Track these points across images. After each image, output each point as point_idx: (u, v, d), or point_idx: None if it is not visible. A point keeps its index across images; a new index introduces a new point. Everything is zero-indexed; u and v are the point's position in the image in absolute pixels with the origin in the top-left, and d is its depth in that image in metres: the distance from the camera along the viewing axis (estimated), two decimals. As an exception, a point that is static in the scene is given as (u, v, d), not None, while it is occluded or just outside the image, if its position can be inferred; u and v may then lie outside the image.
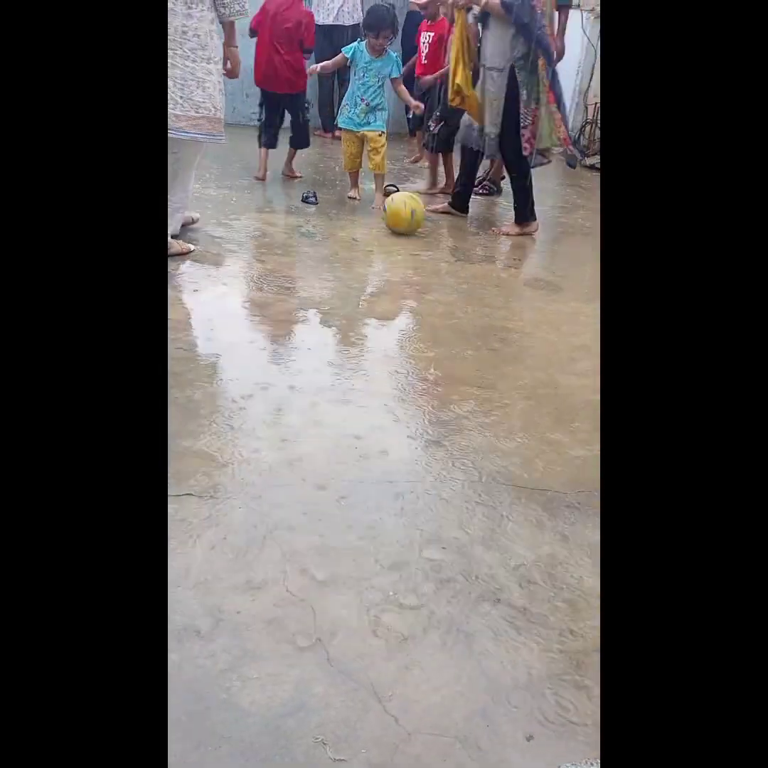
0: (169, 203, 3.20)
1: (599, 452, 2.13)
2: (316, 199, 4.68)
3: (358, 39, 4.67)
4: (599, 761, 1.05)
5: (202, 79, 3.09)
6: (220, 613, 1.41)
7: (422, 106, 4.76)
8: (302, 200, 4.66)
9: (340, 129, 4.78)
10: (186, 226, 3.67)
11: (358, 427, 2.13)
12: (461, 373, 2.56)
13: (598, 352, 2.82)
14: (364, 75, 4.59)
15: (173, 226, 3.37)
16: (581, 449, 2.14)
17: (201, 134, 3.16)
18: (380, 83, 4.61)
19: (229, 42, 3.21)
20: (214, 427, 2.04)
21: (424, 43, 5.29)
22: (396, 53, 4.70)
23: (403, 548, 1.64)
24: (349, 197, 4.82)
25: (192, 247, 3.47)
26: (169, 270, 3.20)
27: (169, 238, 3.27)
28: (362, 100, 4.60)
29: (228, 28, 3.17)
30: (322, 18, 6.40)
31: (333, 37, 6.39)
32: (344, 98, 4.77)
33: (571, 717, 1.27)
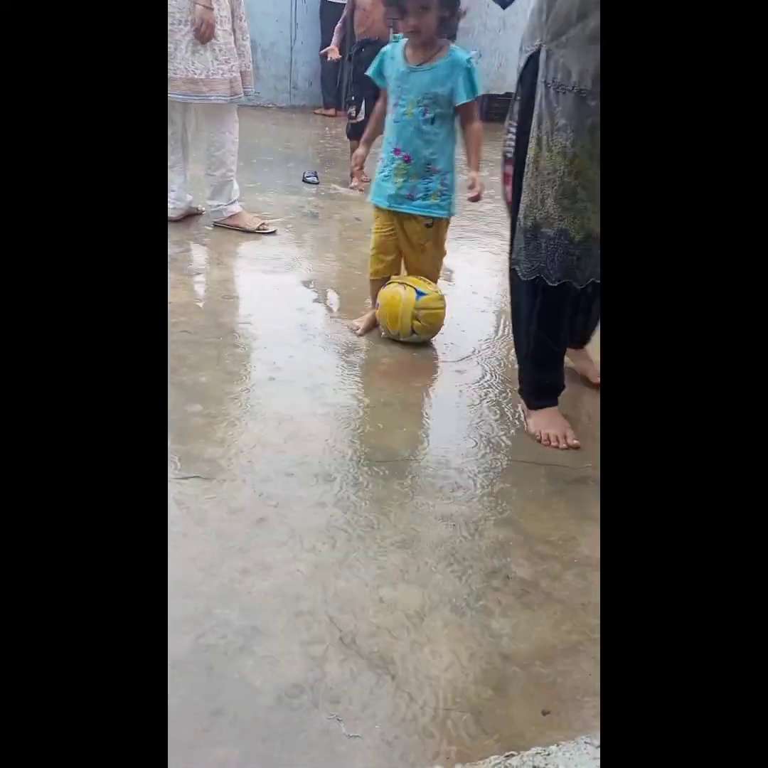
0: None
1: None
2: (317, 179, 4.64)
3: (391, 38, 2.46)
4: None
5: (178, 41, 3.10)
6: (231, 593, 1.41)
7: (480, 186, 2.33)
8: (303, 180, 4.63)
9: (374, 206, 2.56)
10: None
11: (360, 405, 2.12)
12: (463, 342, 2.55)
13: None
14: (398, 99, 2.36)
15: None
16: (586, 424, 2.13)
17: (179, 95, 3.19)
18: (432, 116, 2.33)
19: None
20: (222, 409, 2.04)
21: None
22: (470, 54, 2.34)
23: (412, 525, 1.64)
24: (352, 328, 2.62)
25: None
26: (174, 252, 3.18)
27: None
28: (396, 151, 2.40)
29: None
30: None
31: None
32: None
33: (584, 691, 1.27)
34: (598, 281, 1.92)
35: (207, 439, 1.89)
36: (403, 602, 1.42)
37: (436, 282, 2.61)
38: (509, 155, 1.95)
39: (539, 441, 2.00)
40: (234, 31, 3.27)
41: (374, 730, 1.17)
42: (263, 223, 3.60)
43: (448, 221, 2.53)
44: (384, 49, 2.43)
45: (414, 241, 2.52)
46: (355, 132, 4.26)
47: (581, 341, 2.35)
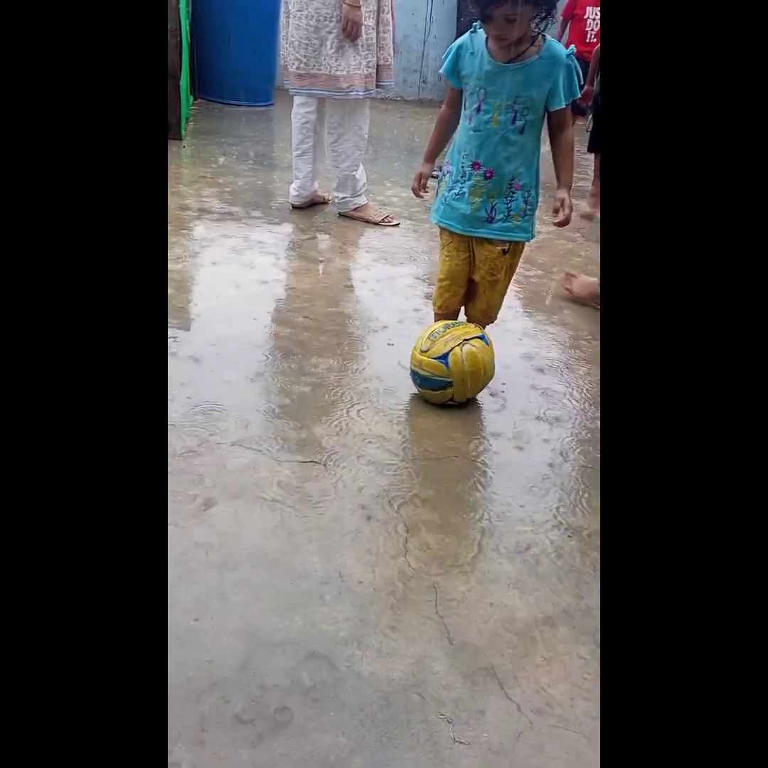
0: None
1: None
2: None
3: (471, 28, 1.97)
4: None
5: (324, 38, 3.19)
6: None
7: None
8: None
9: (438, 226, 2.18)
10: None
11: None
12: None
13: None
14: (480, 105, 1.94)
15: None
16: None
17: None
18: (522, 123, 1.92)
19: None
20: (339, 394, 2.07)
21: (590, 18, 4.83)
22: (568, 51, 1.88)
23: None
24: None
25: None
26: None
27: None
28: (474, 165, 2.00)
29: None
30: None
31: None
32: (447, 157, 2.15)
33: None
34: None
35: (318, 422, 1.93)
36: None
37: (490, 323, 2.27)
38: None
39: None
40: (377, 23, 3.28)
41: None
42: (387, 216, 3.63)
43: (522, 247, 2.13)
44: (459, 41, 1.97)
45: (484, 272, 2.11)
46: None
47: None
